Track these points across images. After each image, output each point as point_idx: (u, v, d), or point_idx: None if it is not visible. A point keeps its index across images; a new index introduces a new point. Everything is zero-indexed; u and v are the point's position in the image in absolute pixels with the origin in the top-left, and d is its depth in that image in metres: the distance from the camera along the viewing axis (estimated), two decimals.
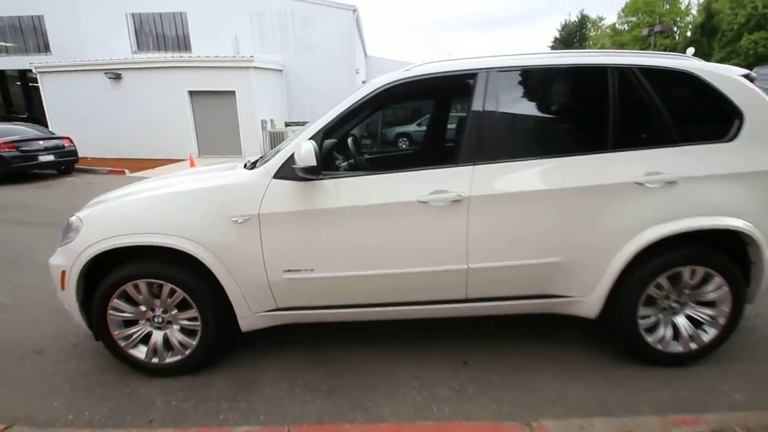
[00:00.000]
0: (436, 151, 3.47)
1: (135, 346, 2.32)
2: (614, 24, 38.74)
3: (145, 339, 2.32)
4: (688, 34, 29.98)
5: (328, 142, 2.56)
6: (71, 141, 10.68)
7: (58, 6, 16.88)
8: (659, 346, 2.32)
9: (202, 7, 16.53)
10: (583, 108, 2.33)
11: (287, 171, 2.11)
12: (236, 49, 16.00)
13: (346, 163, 2.71)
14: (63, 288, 2.23)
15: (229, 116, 13.56)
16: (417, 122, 15.39)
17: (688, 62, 2.29)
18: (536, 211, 2.14)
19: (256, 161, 2.41)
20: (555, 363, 2.40)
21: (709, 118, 2.26)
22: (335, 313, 2.30)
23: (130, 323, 2.30)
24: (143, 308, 2.27)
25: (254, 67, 13.31)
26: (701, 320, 2.31)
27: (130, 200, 2.31)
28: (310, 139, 2.11)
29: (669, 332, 2.33)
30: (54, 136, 10.65)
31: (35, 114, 18.63)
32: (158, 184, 2.53)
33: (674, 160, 2.15)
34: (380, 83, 2.19)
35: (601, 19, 42.96)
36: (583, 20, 41.74)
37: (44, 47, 17.63)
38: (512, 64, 2.22)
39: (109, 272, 2.20)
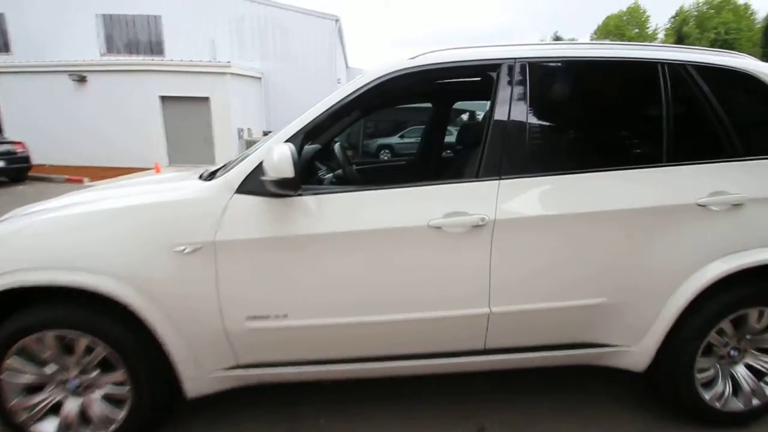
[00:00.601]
0: (447, 162, 2.94)
1: (41, 419, 1.70)
2: None
3: (56, 410, 1.70)
4: None
5: (309, 147, 2.04)
6: (23, 146, 9.79)
7: (21, 3, 15.85)
8: (717, 404, 1.87)
9: (177, 10, 15.83)
10: (632, 111, 1.89)
11: (255, 184, 1.58)
12: (213, 55, 15.35)
13: (331, 174, 2.18)
14: None
15: (202, 124, 12.87)
16: (399, 134, 15.02)
17: (743, 60, 1.90)
18: (578, 238, 1.67)
19: (217, 170, 1.86)
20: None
21: None
22: (316, 371, 1.75)
23: (34, 389, 1.69)
24: (51, 369, 1.66)
25: (231, 73, 12.72)
26: (764, 370, 1.89)
27: (35, 221, 1.71)
28: (287, 142, 1.59)
29: (728, 387, 1.89)
30: (4, 140, 9.73)
31: None
32: (91, 196, 1.95)
33: (739, 177, 1.74)
34: (379, 72, 1.69)
35: (573, 41, 44.20)
36: (557, 41, 42.85)
37: (3, 46, 16.50)
38: (545, 55, 1.77)
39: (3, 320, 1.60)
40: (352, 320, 1.64)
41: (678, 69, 1.77)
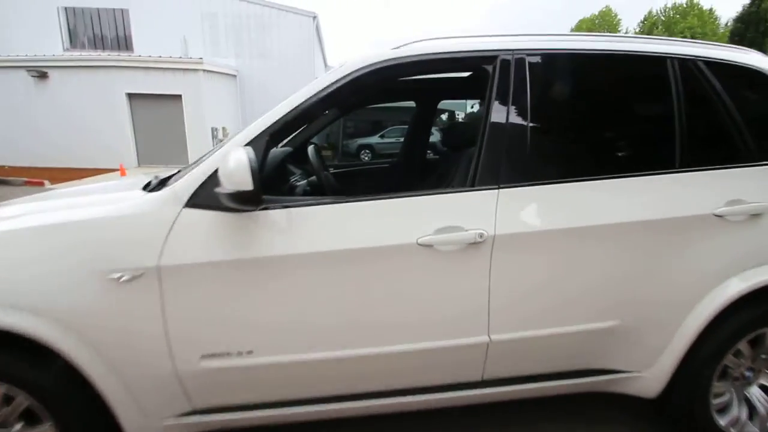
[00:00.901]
0: (433, 167, 2.69)
1: None
2: None
3: None
4: None
5: (279, 150, 1.78)
6: None
7: None
8: (733, 431, 1.71)
9: (146, 4, 15.13)
10: (643, 111, 1.70)
11: (209, 196, 1.30)
12: (185, 52, 14.73)
13: (305, 181, 1.92)
14: None
15: (174, 122, 12.31)
16: (380, 134, 14.79)
17: (754, 57, 1.74)
18: (587, 255, 1.47)
19: (169, 178, 1.58)
20: None
21: None
22: (289, 413, 1.49)
23: None
24: None
25: (204, 70, 12.21)
26: None
27: None
28: (248, 145, 1.32)
29: (744, 411, 1.73)
30: None
31: None
32: (13, 210, 1.63)
33: (756, 184, 1.57)
34: (358, 64, 1.44)
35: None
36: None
37: None
38: (547, 47, 1.56)
39: None
40: (328, 355, 1.39)
41: (687, 64, 1.60)
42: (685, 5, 33.30)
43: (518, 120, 1.47)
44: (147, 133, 12.56)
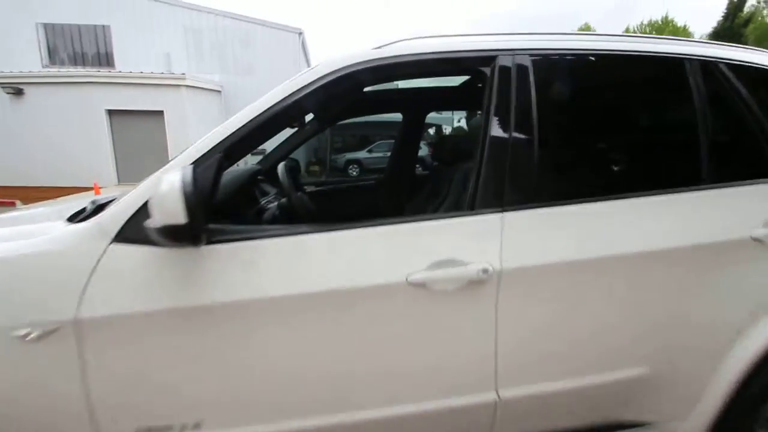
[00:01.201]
0: (422, 185, 2.47)
1: None
2: None
3: None
4: None
5: (241, 170, 1.53)
6: None
7: None
8: None
9: (128, 21, 14.92)
10: (666, 119, 1.50)
11: (143, 228, 1.04)
12: (168, 68, 14.48)
13: (276, 204, 1.65)
14: None
15: (156, 139, 11.97)
16: (368, 149, 14.63)
17: None
18: (612, 290, 1.23)
19: (103, 205, 1.30)
20: None
21: None
22: None
23: None
24: None
25: (186, 86, 11.96)
26: None
27: None
28: (194, 164, 1.06)
29: None
30: None
31: None
32: None
33: None
34: (331, 66, 1.20)
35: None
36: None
37: None
38: (553, 46, 1.34)
39: None
40: (296, 425, 1.11)
41: (709, 67, 1.40)
42: (660, 22, 34.30)
43: (523, 131, 1.24)
44: (128, 151, 12.20)
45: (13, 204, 9.32)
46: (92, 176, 11.22)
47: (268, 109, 1.16)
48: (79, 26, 15.18)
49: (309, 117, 2.44)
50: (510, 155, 1.22)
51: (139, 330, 1.04)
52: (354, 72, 1.20)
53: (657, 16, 34.83)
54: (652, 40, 1.48)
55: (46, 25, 15.01)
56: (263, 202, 1.69)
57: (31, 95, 11.77)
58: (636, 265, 1.23)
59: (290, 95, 1.17)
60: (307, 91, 1.18)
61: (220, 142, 1.12)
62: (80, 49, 15.48)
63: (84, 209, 1.33)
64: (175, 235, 0.91)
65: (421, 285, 1.10)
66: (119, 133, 12.08)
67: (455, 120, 15.31)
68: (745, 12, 18.76)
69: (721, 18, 20.76)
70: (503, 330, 1.16)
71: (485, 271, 1.11)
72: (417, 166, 3.01)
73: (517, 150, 1.22)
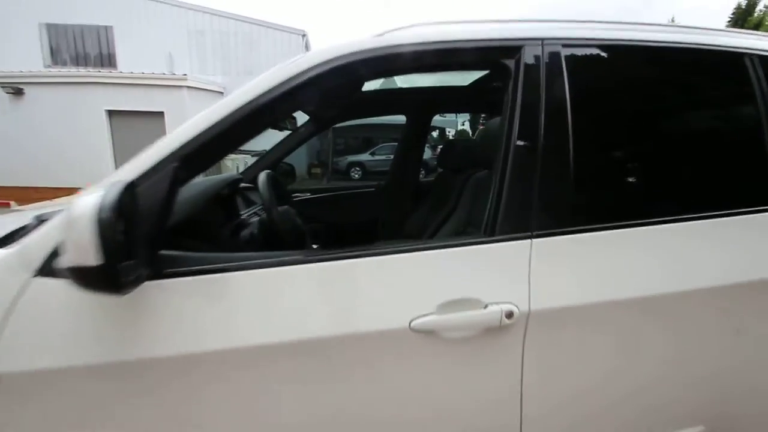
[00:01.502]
0: (428, 199, 2.18)
1: None
2: None
3: None
4: None
5: (217, 179, 1.30)
6: None
7: None
8: None
9: (131, 22, 14.84)
10: (722, 124, 1.26)
11: None
12: (171, 69, 14.36)
13: (257, 220, 1.42)
14: None
15: (156, 140, 11.78)
16: (370, 151, 14.43)
17: None
18: (670, 334, 0.99)
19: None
20: None
21: None
22: None
23: None
24: None
25: (188, 87, 11.81)
26: None
27: None
28: (139, 179, 0.84)
29: None
30: None
31: None
32: None
33: None
34: (323, 56, 0.98)
35: None
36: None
37: None
38: (591, 36, 1.11)
39: None
40: None
41: None
42: None
43: (557, 137, 1.00)
44: (128, 151, 11.93)
45: (8, 205, 9.14)
46: (90, 177, 11.07)
47: (244, 105, 0.93)
48: (81, 27, 15.10)
49: (304, 118, 2.23)
50: (540, 166, 0.98)
51: (67, 389, 0.81)
52: (351, 62, 0.97)
53: (663, 21, 34.42)
54: (710, 31, 1.24)
55: (48, 26, 14.94)
56: (245, 215, 1.46)
57: (30, 95, 11.66)
58: (706, 305, 0.99)
59: (273, 89, 0.94)
60: (295, 83, 0.95)
61: (178, 148, 0.89)
62: (83, 50, 15.40)
63: (25, 227, 1.11)
64: (87, 280, 0.68)
65: (429, 332, 0.87)
66: (119, 134, 11.93)
67: (459, 123, 15.10)
68: (754, 16, 18.43)
69: (728, 23, 20.45)
70: (530, 386, 0.92)
71: (511, 314, 0.88)
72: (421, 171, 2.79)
73: (548, 160, 0.99)
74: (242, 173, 2.01)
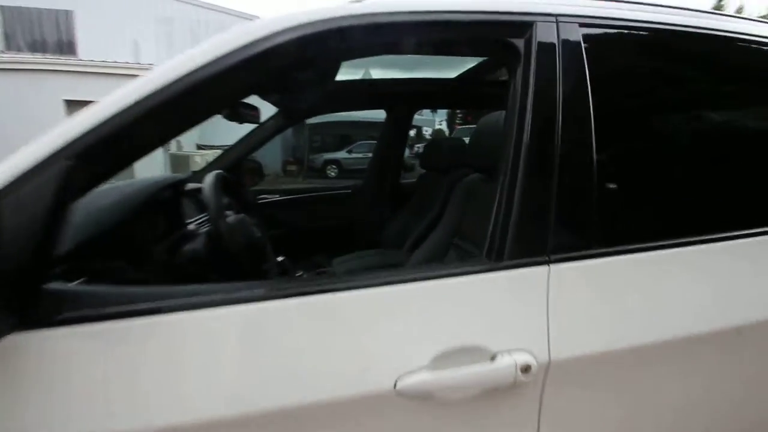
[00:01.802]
0: (415, 203, 1.98)
1: None
2: None
3: None
4: None
5: (151, 180, 1.05)
6: None
7: None
8: None
9: (93, 7, 13.98)
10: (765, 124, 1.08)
11: None
12: (136, 58, 13.62)
13: (203, 233, 1.15)
14: None
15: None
16: (347, 149, 14.12)
17: None
18: (722, 380, 0.81)
19: None
20: None
21: None
22: None
23: None
24: None
25: None
26: None
27: None
28: (8, 188, 0.58)
29: None
30: None
31: None
32: None
33: None
34: (285, 23, 0.73)
35: None
36: None
37: None
38: (616, 15, 0.91)
39: None
40: None
41: None
42: None
43: (579, 136, 0.80)
44: None
45: None
46: None
47: (175, 81, 0.68)
48: (39, 10, 14.12)
49: (271, 111, 1.97)
50: (557, 173, 0.78)
51: None
52: (316, 33, 0.74)
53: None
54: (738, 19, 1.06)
55: (3, 8, 13.89)
56: (193, 224, 1.21)
57: None
58: (751, 340, 0.81)
59: (215, 61, 0.69)
60: (246, 55, 0.70)
61: (75, 139, 0.63)
62: (40, 36, 14.44)
63: None
64: None
65: (422, 395, 0.65)
66: None
67: (436, 122, 14.95)
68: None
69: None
70: None
71: (527, 368, 0.67)
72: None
73: (568, 165, 0.78)
74: (196, 172, 1.74)
